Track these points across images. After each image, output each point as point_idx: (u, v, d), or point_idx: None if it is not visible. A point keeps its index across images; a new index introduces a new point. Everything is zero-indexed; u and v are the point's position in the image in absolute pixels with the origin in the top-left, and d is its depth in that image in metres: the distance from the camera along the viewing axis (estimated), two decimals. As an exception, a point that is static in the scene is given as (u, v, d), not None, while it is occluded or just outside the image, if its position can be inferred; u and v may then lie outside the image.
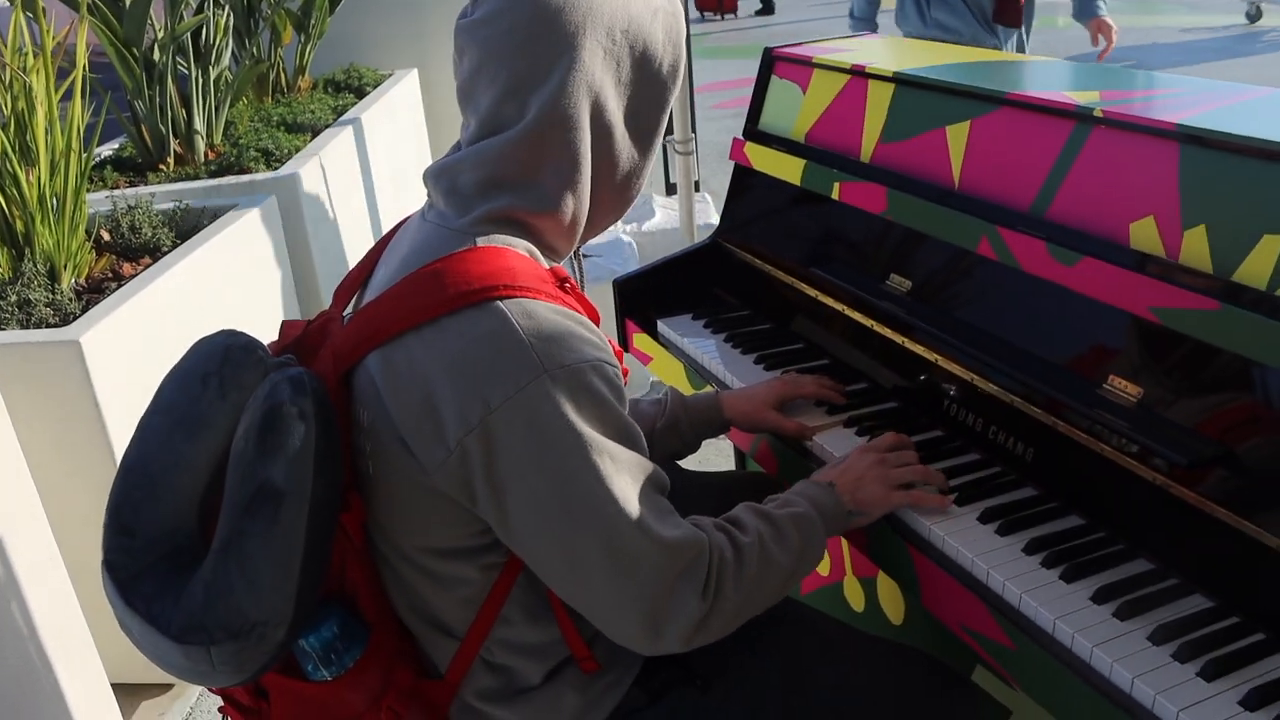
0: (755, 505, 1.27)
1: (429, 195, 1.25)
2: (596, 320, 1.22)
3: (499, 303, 1.09)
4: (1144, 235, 1.33)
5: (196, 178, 3.25)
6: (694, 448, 1.60)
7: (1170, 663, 1.09)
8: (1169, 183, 1.32)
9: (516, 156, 1.16)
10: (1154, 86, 1.56)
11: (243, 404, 1.14)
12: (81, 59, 2.49)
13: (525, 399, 1.06)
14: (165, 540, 1.14)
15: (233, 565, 1.08)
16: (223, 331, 1.20)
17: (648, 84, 1.21)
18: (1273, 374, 1.15)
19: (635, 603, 1.11)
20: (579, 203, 1.20)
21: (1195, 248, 1.27)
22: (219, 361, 1.16)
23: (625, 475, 1.10)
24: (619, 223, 4.15)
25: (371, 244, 3.65)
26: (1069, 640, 1.15)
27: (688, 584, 1.12)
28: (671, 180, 5.02)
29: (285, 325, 1.29)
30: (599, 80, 1.16)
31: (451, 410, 1.08)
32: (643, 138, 1.23)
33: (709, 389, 1.73)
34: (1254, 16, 10.55)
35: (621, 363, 1.20)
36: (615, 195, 1.24)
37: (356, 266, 1.33)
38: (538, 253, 1.20)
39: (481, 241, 1.14)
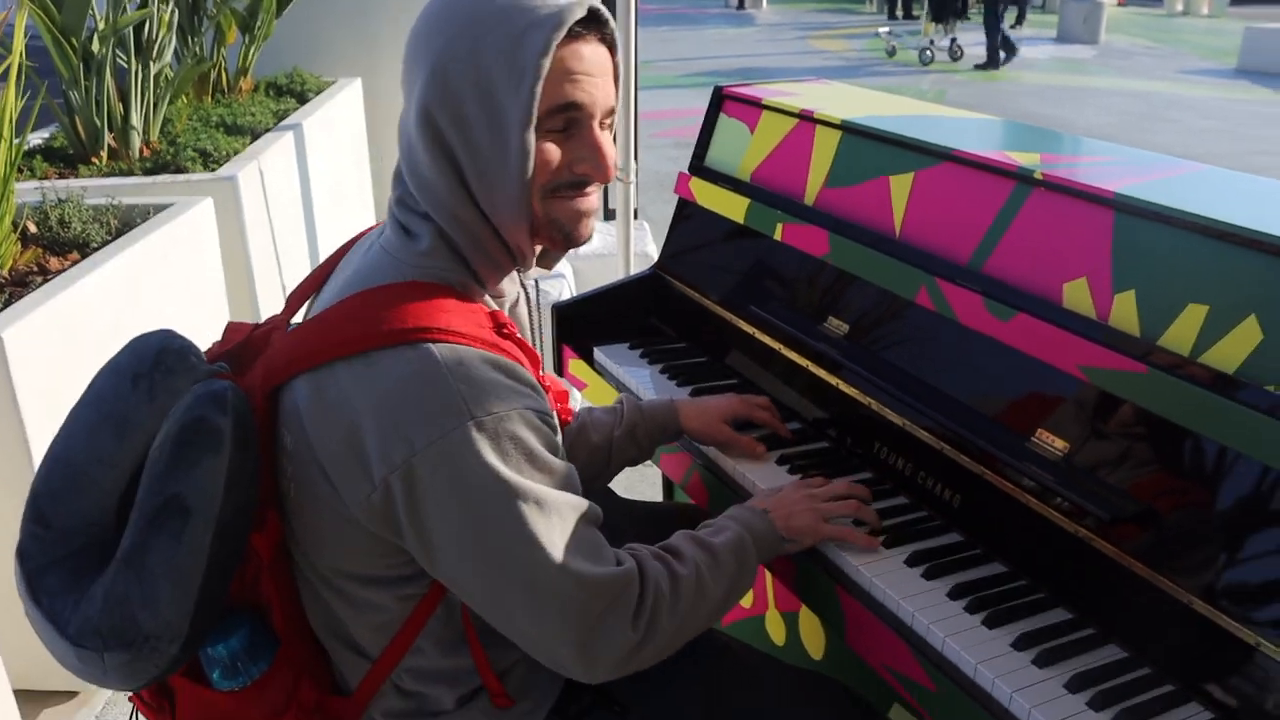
0: (692, 533, 1.29)
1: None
2: (537, 363, 1.23)
3: (431, 345, 1.09)
4: (1077, 296, 1.38)
5: (130, 174, 3.18)
6: (649, 454, 1.62)
7: (1085, 710, 1.12)
8: (1103, 247, 1.37)
9: (415, 179, 1.18)
10: (1093, 153, 1.62)
11: (170, 408, 1.12)
12: (18, 44, 2.44)
13: (449, 444, 1.06)
14: (79, 534, 1.13)
15: (132, 576, 1.07)
16: (161, 331, 1.19)
17: (485, 104, 1.13)
18: (1192, 436, 1.19)
19: (563, 638, 1.12)
20: (471, 210, 1.17)
21: (1125, 311, 1.32)
22: (150, 363, 1.14)
23: (553, 518, 1.11)
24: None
25: (306, 251, 3.64)
26: (989, 685, 1.18)
27: (617, 617, 1.13)
28: (610, 206, 5.05)
29: (230, 327, 1.28)
30: (436, 97, 1.14)
31: (376, 447, 1.07)
32: (490, 145, 1.14)
33: (665, 396, 1.74)
34: (890, 52, 12.98)
35: (566, 403, 1.20)
36: (492, 205, 1.17)
37: (312, 274, 1.32)
38: (476, 288, 1.19)
39: (421, 276, 1.15)
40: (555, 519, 1.11)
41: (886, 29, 13.53)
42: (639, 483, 3.17)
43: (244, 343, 1.24)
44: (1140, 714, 1.12)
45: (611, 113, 1.21)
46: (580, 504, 1.15)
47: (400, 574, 1.16)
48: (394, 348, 1.09)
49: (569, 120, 1.16)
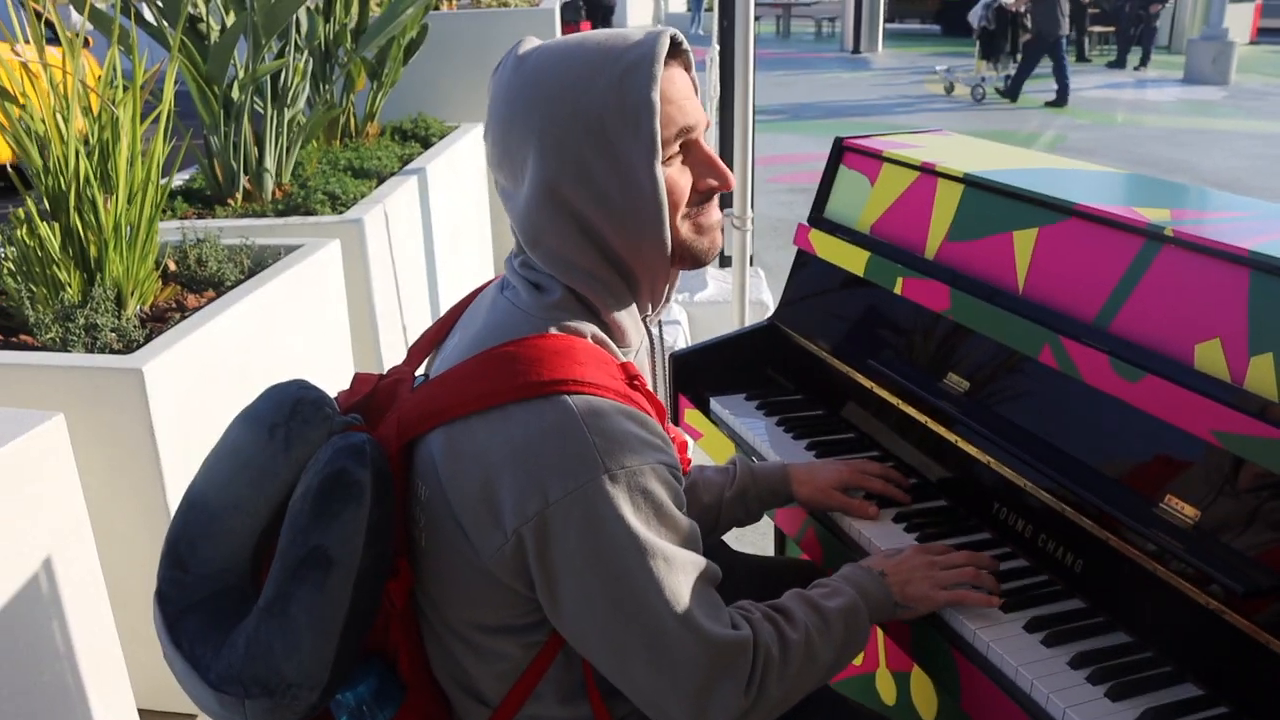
0: (804, 593, 1.28)
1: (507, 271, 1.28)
2: (663, 415, 1.24)
3: (566, 397, 1.10)
4: (1209, 357, 1.34)
5: (263, 215, 3.32)
6: (757, 517, 1.62)
7: (1216, 794, 1.08)
8: (1238, 307, 1.33)
9: (542, 252, 1.19)
10: (1227, 208, 1.58)
11: (305, 459, 1.16)
12: (169, 94, 2.57)
13: (583, 496, 1.08)
14: (216, 579, 1.16)
15: (275, 625, 1.10)
16: (295, 382, 1.23)
17: (609, 162, 1.16)
18: (1335, 510, 1.14)
19: (677, 695, 1.12)
20: (613, 274, 1.21)
21: (1261, 374, 1.28)
22: (288, 414, 1.18)
23: (678, 575, 1.11)
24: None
25: (427, 293, 3.73)
26: (1112, 760, 1.14)
27: (731, 681, 1.13)
28: (726, 253, 5.06)
29: (358, 379, 1.31)
30: (553, 168, 1.15)
31: (510, 499, 1.09)
32: (621, 193, 1.17)
33: (776, 460, 1.74)
34: (949, 89, 13.31)
35: (685, 453, 1.21)
36: (635, 249, 1.20)
37: (434, 325, 1.35)
38: (607, 340, 1.21)
39: (554, 329, 1.17)
40: (680, 576, 1.11)
41: (945, 67, 13.70)
42: (751, 533, 3.15)
43: (371, 394, 1.27)
44: (1276, 800, 1.07)
45: (707, 127, 1.25)
46: (701, 563, 1.16)
47: (526, 622, 1.18)
48: (529, 400, 1.11)
49: (684, 144, 1.20)
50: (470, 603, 1.18)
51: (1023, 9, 12.47)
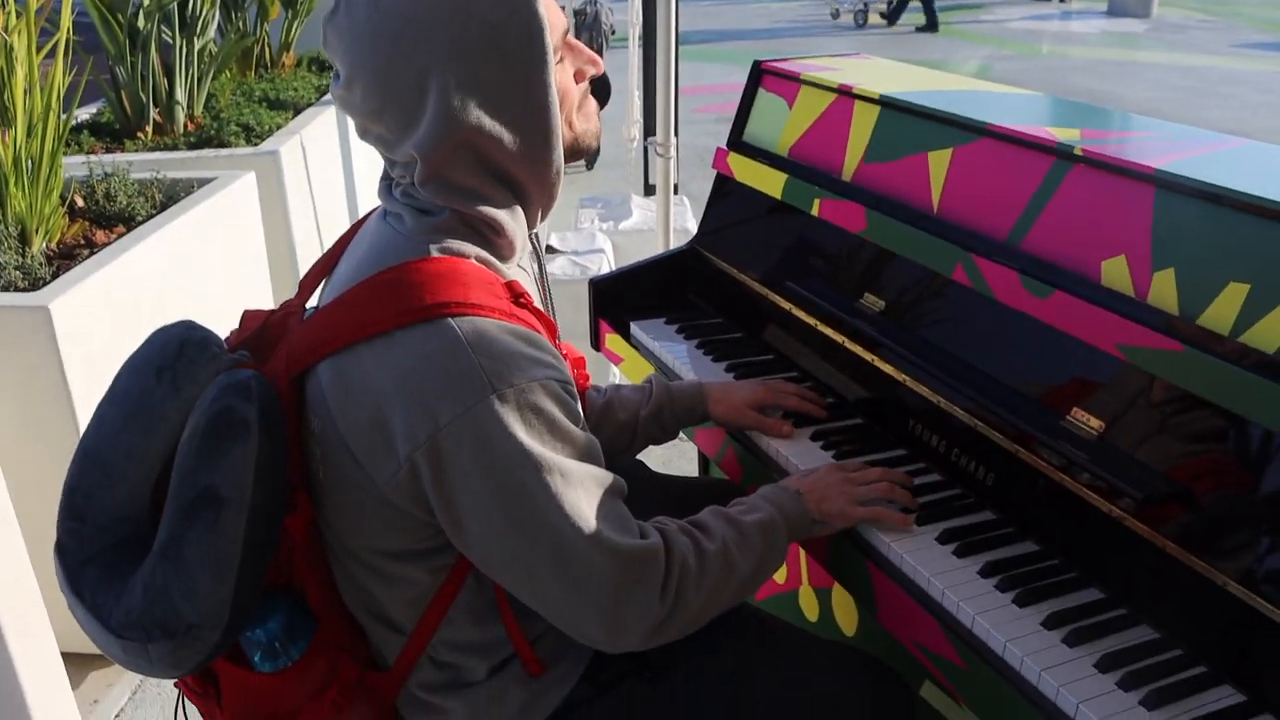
0: (720, 509, 1.30)
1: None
2: (554, 332, 1.24)
3: (450, 320, 1.09)
4: (1115, 273, 1.36)
5: (175, 148, 3.23)
6: (673, 434, 1.63)
7: (1114, 690, 1.12)
8: (1142, 225, 1.35)
9: (433, 159, 1.15)
10: (1133, 129, 1.60)
11: (195, 400, 1.14)
12: (66, 21, 2.47)
13: (473, 418, 1.07)
14: (115, 529, 1.15)
15: (170, 568, 1.09)
16: (180, 323, 1.21)
17: (505, 67, 1.13)
18: (1230, 417, 1.18)
19: (590, 609, 1.13)
20: (504, 192, 1.20)
21: (1164, 290, 1.30)
22: (174, 355, 1.16)
23: (578, 489, 1.12)
24: (596, 221, 4.17)
25: (349, 224, 3.66)
26: (1018, 663, 1.17)
27: (644, 590, 1.14)
28: (650, 182, 5.04)
29: (246, 316, 1.29)
30: (460, 93, 1.12)
31: (401, 426, 1.09)
32: (522, 108, 1.16)
33: (692, 378, 1.75)
34: (835, 15, 14.10)
35: (583, 369, 1.21)
36: (530, 174, 1.20)
37: (322, 257, 1.33)
38: (492, 259, 1.20)
39: (436, 251, 1.15)
40: (580, 490, 1.12)
41: None
42: (678, 458, 3.18)
43: (261, 329, 1.25)
44: (1171, 695, 1.11)
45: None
46: (604, 476, 1.16)
47: (430, 546, 1.18)
48: (413, 325, 1.10)
49: (564, 46, 1.22)
50: (372, 531, 1.17)
51: None
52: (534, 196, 1.23)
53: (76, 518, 1.15)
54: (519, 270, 1.28)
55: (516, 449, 1.08)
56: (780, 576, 2.07)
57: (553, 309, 1.42)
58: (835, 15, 14.15)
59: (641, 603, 1.14)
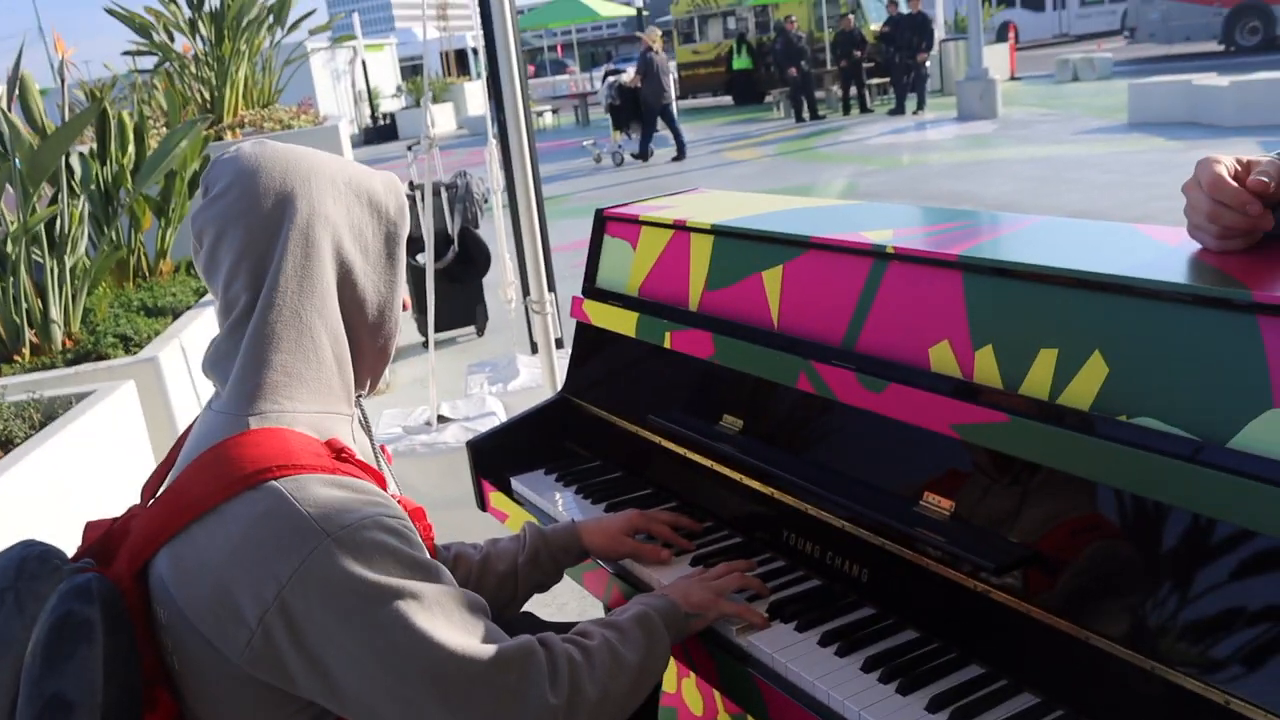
0: (596, 618, 1.33)
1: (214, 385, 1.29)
2: (381, 482, 1.26)
3: (274, 482, 1.12)
4: (942, 358, 1.43)
5: (53, 366, 3.21)
6: (556, 577, 1.64)
7: (1000, 763, 1.14)
8: (958, 308, 1.43)
9: (268, 323, 1.20)
10: (942, 221, 1.70)
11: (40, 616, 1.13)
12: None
13: (313, 566, 1.08)
14: None
15: None
16: (19, 543, 1.21)
17: (378, 222, 1.31)
18: (1061, 476, 1.24)
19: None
20: (339, 350, 1.25)
21: (986, 366, 1.37)
22: (13, 575, 1.16)
23: (434, 609, 1.12)
24: (485, 385, 4.20)
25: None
26: (906, 752, 1.19)
27: (533, 685, 1.15)
28: (533, 339, 5.11)
29: (89, 526, 1.29)
30: (332, 220, 1.24)
31: (245, 593, 1.09)
32: (383, 274, 1.31)
33: (567, 519, 1.77)
34: (597, 160, 15.13)
35: (424, 520, 1.25)
36: (371, 338, 1.31)
37: (163, 461, 1.34)
38: (316, 421, 1.23)
39: (255, 423, 1.18)
40: (437, 610, 1.12)
41: (590, 141, 15.92)
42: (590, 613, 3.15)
43: (105, 536, 1.25)
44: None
45: None
46: (459, 593, 1.17)
47: None
48: (239, 495, 1.11)
49: None
50: (239, 715, 1.16)
51: (638, 85, 14.55)
52: (364, 366, 1.28)
53: None
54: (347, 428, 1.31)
55: (363, 586, 1.09)
56: (698, 708, 2.05)
57: (381, 461, 1.44)
58: (598, 160, 15.13)
59: (535, 699, 1.14)
